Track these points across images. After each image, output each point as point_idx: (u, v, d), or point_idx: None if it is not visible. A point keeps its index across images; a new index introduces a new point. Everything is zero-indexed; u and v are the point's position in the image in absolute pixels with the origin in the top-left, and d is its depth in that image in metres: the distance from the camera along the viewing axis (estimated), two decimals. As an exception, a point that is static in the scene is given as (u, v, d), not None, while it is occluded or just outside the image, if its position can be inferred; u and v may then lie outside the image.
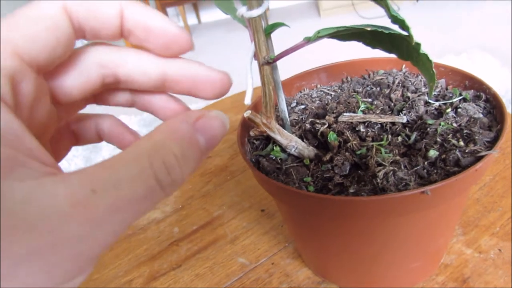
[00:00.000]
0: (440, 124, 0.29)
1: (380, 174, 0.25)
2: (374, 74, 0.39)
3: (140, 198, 0.14)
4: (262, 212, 0.43)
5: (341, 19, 2.82)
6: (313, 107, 0.36)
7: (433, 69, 0.26)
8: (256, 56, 0.26)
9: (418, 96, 0.34)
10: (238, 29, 3.00)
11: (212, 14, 3.55)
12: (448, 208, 0.27)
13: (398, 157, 0.27)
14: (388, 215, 0.24)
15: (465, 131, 0.28)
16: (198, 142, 0.17)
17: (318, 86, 0.41)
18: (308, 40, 0.26)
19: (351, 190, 0.25)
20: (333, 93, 0.38)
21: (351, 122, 0.32)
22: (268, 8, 0.26)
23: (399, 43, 0.25)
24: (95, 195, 0.13)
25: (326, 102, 0.37)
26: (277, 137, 0.29)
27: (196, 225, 0.44)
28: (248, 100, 0.26)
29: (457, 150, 0.26)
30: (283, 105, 0.31)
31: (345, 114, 0.33)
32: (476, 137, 0.27)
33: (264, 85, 0.27)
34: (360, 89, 0.37)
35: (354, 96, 0.36)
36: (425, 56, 0.25)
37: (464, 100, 0.31)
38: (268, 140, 0.32)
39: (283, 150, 0.30)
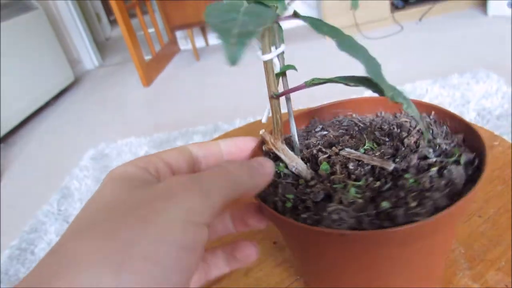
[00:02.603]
0: (409, 180, 0.29)
1: (329, 209, 0.27)
2: (402, 115, 0.40)
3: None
4: (274, 244, 0.45)
5: (346, 39, 2.85)
6: (332, 135, 0.38)
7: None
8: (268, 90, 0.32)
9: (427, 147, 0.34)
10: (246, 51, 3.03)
11: (218, 36, 3.59)
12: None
13: (360, 200, 0.28)
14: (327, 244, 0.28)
15: (427, 193, 0.27)
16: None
17: (354, 115, 0.42)
18: (306, 84, 0.32)
19: (303, 215, 0.28)
20: (361, 125, 0.40)
21: (348, 158, 0.34)
22: (283, 51, 0.31)
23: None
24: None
25: (350, 132, 0.39)
26: (281, 155, 0.33)
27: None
28: (264, 119, 0.35)
29: (403, 209, 0.26)
30: (293, 130, 0.35)
31: (346, 149, 0.35)
32: (428, 202, 0.26)
33: (273, 114, 0.33)
34: (386, 127, 0.38)
35: (373, 132, 0.37)
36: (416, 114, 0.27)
37: (458, 162, 0.31)
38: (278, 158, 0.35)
39: (287, 167, 0.34)
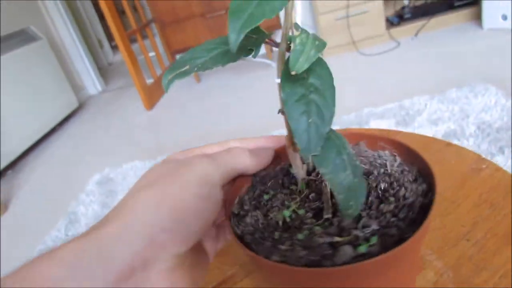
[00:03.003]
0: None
1: (283, 247, 0.28)
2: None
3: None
4: (273, 271, 0.46)
5: (344, 57, 2.90)
6: None
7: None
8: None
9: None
10: (245, 72, 3.08)
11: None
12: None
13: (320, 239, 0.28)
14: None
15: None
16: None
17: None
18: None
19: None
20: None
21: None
22: (271, 49, 0.31)
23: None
24: None
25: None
26: (291, 158, 0.34)
27: (211, 284, 0.47)
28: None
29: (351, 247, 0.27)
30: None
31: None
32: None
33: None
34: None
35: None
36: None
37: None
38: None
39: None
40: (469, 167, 0.48)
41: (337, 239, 0.27)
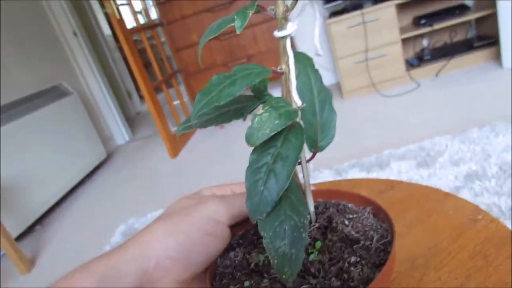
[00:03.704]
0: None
1: None
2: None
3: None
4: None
5: (364, 99, 2.93)
6: None
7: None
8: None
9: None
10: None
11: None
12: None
13: None
14: None
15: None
16: None
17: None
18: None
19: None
20: None
21: None
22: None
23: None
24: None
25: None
26: None
27: None
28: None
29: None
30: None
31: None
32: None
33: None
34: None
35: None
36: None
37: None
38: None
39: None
40: (465, 217, 0.49)
41: None
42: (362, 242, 0.33)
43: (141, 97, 5.77)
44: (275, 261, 0.28)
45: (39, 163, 2.62)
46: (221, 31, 0.30)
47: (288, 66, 0.32)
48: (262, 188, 0.29)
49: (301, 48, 3.36)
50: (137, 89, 5.63)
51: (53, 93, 3.02)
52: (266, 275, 0.33)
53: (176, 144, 3.08)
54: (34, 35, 3.18)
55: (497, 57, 2.76)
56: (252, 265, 0.34)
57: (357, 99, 2.98)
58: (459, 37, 3.14)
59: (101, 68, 3.97)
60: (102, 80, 3.84)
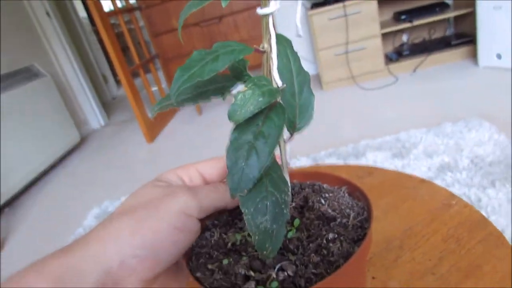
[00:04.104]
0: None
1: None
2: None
3: None
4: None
5: (343, 91, 2.95)
6: None
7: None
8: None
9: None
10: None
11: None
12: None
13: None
14: None
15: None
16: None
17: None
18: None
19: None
20: None
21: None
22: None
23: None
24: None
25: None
26: None
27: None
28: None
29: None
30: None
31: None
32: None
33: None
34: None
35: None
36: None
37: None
38: None
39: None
40: (439, 203, 0.50)
41: (250, 273, 0.29)
42: (339, 220, 0.33)
43: (117, 82, 5.67)
44: (256, 237, 0.28)
45: (9, 145, 2.54)
46: (203, 5, 0.29)
47: (270, 45, 0.31)
48: (243, 165, 0.28)
49: (280, 32, 3.35)
50: (114, 73, 5.52)
51: (25, 74, 2.92)
52: (244, 253, 0.32)
53: (153, 129, 3.04)
54: (5, 14, 3.07)
55: (474, 56, 2.82)
56: (229, 244, 0.34)
57: (337, 91, 3.00)
58: (437, 34, 3.18)
59: (76, 50, 3.87)
60: (77, 63, 3.75)
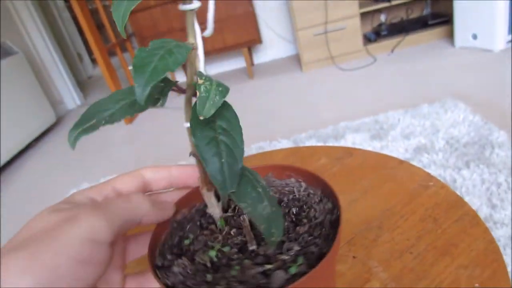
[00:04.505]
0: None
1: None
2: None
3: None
4: None
5: (322, 72, 2.96)
6: None
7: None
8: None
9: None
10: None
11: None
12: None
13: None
14: None
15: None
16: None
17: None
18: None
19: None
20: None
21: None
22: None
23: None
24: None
25: None
26: (206, 200, 0.34)
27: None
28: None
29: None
30: None
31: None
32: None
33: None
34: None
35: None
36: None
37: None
38: None
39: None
40: (417, 184, 0.51)
41: (268, 266, 0.29)
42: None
43: (93, 61, 5.53)
44: (262, 226, 0.28)
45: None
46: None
47: (196, 41, 0.29)
48: (223, 160, 0.27)
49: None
50: (89, 52, 5.38)
51: (-5, 52, 2.83)
52: (231, 264, 0.31)
53: (130, 110, 2.99)
54: (-26, -13, 2.94)
55: (450, 36, 2.86)
56: (209, 264, 0.32)
57: (315, 72, 3.00)
58: (415, 14, 3.21)
59: (49, 27, 3.75)
60: (50, 41, 3.64)
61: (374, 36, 3.06)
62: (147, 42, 3.19)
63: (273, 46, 3.59)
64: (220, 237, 0.33)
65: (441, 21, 2.93)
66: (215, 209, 0.34)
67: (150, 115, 3.01)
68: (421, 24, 3.00)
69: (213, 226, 0.35)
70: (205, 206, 0.35)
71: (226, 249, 0.32)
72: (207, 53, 3.21)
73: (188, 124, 0.28)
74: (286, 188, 0.37)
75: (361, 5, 2.91)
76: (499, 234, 1.12)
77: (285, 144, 1.96)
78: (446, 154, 1.55)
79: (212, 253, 0.32)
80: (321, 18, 2.88)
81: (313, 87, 2.73)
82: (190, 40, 0.29)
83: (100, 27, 3.23)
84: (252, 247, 0.31)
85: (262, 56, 3.62)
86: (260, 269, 0.29)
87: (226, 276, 0.29)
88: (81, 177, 2.21)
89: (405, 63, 2.71)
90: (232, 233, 0.33)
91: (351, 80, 2.66)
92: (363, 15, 2.99)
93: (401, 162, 0.56)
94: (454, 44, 2.74)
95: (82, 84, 4.61)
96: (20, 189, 2.36)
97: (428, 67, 2.54)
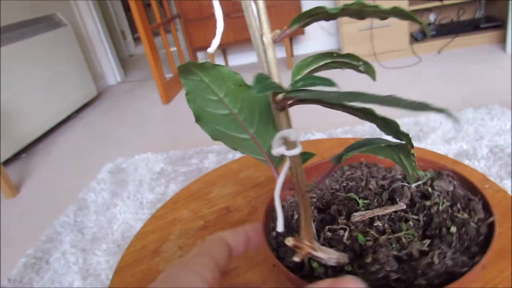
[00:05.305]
0: (439, 203, 0.34)
1: (435, 260, 0.29)
2: (341, 170, 0.44)
3: None
4: (274, 266, 0.48)
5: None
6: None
7: (415, 162, 0.30)
8: (294, 184, 0.30)
9: (390, 182, 0.38)
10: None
11: (238, 59, 3.69)
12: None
13: (427, 240, 0.31)
14: None
15: (458, 204, 0.33)
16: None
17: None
18: (336, 163, 0.30)
19: (417, 282, 0.28)
20: (318, 192, 0.42)
21: (363, 220, 0.35)
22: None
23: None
24: None
25: (320, 202, 0.41)
26: (320, 254, 0.31)
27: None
28: (280, 228, 0.30)
29: (470, 222, 0.31)
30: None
31: (355, 214, 0.36)
32: (474, 206, 0.33)
33: (306, 210, 0.30)
34: (337, 186, 0.42)
35: (348, 195, 0.40)
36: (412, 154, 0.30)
37: (432, 179, 0.37)
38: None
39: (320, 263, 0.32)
40: (473, 185, 0.50)
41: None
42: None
43: (135, 40, 5.63)
44: None
45: (28, 92, 2.56)
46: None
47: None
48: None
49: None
50: (132, 30, 5.48)
51: (47, 23, 2.91)
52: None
53: (169, 90, 3.03)
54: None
55: (502, 41, 2.74)
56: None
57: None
58: (466, 16, 3.09)
59: (97, 3, 3.83)
60: (98, 16, 3.72)
61: (421, 35, 2.97)
62: (191, 24, 3.22)
63: (315, 38, 3.55)
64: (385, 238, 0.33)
65: (494, 25, 2.81)
66: (334, 253, 0.32)
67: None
68: (472, 26, 2.89)
69: None
70: None
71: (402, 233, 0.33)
72: (244, 42, 3.21)
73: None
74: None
75: (411, 3, 2.83)
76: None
77: (319, 136, 1.94)
78: (489, 162, 1.50)
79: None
80: (368, 13, 2.82)
81: (353, 82, 2.68)
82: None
83: (146, 6, 3.28)
84: (404, 207, 0.35)
85: (303, 47, 3.59)
86: None
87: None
88: (117, 151, 2.26)
89: (452, 65, 2.62)
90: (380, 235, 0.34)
91: (393, 79, 2.60)
92: (412, 13, 2.91)
93: (455, 162, 0.55)
94: (505, 50, 2.63)
95: (124, 62, 4.70)
96: (61, 156, 2.44)
97: (476, 71, 2.45)
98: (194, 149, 2.07)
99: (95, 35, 3.71)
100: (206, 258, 0.28)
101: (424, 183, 0.38)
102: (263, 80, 0.24)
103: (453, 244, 0.30)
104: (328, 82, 0.25)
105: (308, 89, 0.25)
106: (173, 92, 3.10)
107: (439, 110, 0.18)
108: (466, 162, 1.53)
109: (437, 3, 2.77)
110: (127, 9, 5.20)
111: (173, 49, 3.44)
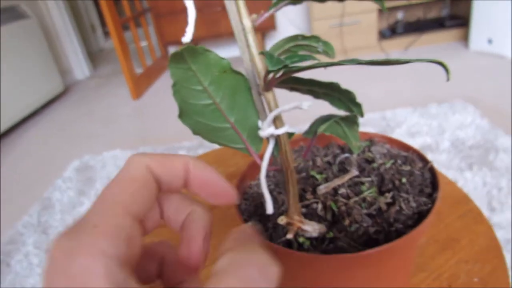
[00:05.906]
0: (385, 163, 0.38)
1: (402, 206, 0.33)
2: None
3: None
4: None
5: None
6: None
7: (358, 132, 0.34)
8: (282, 163, 0.30)
9: (333, 157, 0.42)
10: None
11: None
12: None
13: (388, 194, 0.35)
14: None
15: (398, 160, 0.38)
16: None
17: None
18: (312, 137, 0.34)
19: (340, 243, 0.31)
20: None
21: (328, 192, 0.37)
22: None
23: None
24: None
25: (280, 186, 0.42)
26: (307, 227, 0.32)
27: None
28: (270, 210, 0.30)
29: (414, 171, 0.36)
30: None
31: (320, 187, 0.38)
32: (411, 158, 0.38)
33: (293, 187, 0.31)
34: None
35: (302, 175, 0.42)
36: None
37: (368, 147, 0.42)
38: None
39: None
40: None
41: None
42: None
43: (106, 34, 5.51)
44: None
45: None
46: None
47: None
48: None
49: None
50: (102, 24, 5.36)
51: (9, 14, 2.81)
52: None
53: (139, 85, 2.99)
54: None
55: (465, 39, 2.83)
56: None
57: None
58: (432, 14, 3.17)
59: (65, -5, 3.73)
60: (65, 8, 3.62)
61: (390, 32, 3.03)
62: (163, 19, 3.18)
63: (287, 34, 3.56)
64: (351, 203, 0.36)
65: (458, 23, 2.90)
66: (314, 224, 0.33)
67: (157, 92, 3.01)
68: (437, 24, 2.97)
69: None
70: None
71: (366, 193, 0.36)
72: (217, 36, 3.20)
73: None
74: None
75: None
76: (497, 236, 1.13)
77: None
78: (450, 155, 1.55)
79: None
80: (337, 10, 2.86)
81: (322, 79, 2.72)
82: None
83: (115, -1, 3.22)
84: (357, 173, 0.38)
85: (274, 42, 3.59)
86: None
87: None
88: (85, 148, 2.22)
89: (418, 62, 2.68)
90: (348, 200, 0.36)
91: (361, 75, 2.65)
92: (381, 11, 2.97)
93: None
94: (468, 47, 2.71)
95: (93, 56, 4.61)
96: (22, 156, 2.38)
97: (440, 67, 2.51)
98: (164, 145, 2.05)
99: (62, 28, 3.61)
100: (109, 218, 0.19)
101: (363, 152, 0.41)
102: (271, 56, 0.26)
103: (410, 191, 0.35)
104: (308, 57, 0.29)
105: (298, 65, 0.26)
106: (143, 87, 3.06)
107: (431, 61, 0.25)
108: (429, 155, 1.57)
109: (404, 2, 2.83)
110: (97, 1, 5.08)
111: (144, 43, 3.39)
